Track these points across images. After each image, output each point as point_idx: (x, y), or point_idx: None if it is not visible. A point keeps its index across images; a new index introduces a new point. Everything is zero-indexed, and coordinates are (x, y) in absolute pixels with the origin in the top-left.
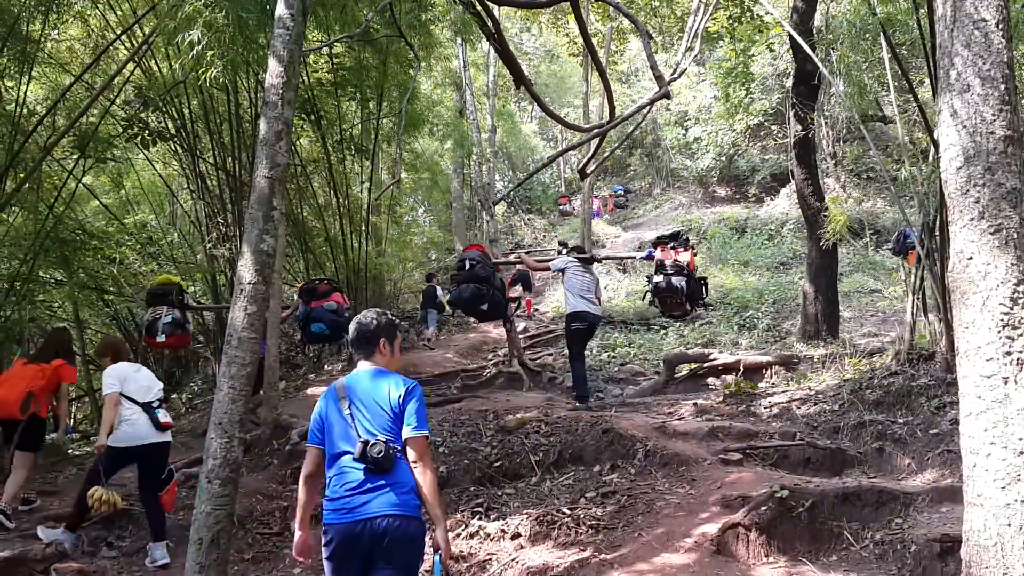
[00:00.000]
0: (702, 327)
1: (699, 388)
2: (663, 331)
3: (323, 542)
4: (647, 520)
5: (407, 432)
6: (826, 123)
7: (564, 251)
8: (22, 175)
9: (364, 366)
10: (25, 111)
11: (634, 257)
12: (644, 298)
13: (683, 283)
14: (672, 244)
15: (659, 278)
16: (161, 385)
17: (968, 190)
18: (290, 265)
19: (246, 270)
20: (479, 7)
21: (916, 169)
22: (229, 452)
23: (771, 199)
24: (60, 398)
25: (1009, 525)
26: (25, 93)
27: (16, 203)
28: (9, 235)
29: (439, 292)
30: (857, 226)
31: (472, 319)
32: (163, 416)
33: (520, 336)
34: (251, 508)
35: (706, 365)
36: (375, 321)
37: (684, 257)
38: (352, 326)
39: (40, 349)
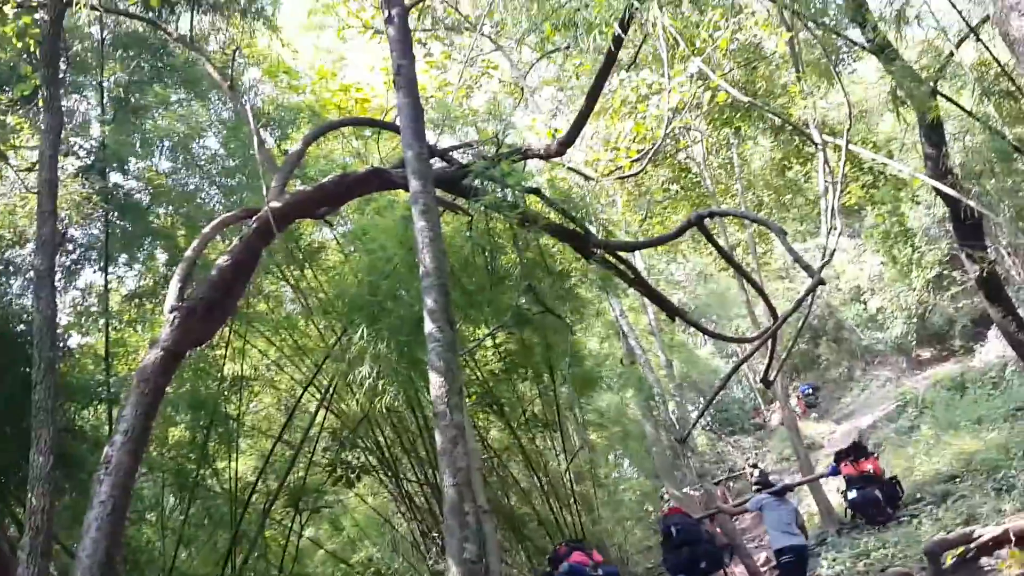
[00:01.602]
0: (956, 504)
1: (975, 572)
2: (914, 520)
3: None
4: None
5: None
6: (1008, 252)
7: (756, 475)
8: (247, 546)
9: None
10: (239, 484)
11: (824, 476)
12: (845, 514)
13: (877, 493)
14: (853, 457)
15: (853, 494)
16: None
17: None
18: (511, 559)
19: None
20: (613, 259)
21: None
22: None
23: (980, 346)
24: None
25: None
26: (236, 468)
27: (248, 573)
28: None
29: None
30: None
31: None
32: None
33: (763, 568)
34: None
35: (972, 545)
36: None
37: (869, 466)
38: None
39: None
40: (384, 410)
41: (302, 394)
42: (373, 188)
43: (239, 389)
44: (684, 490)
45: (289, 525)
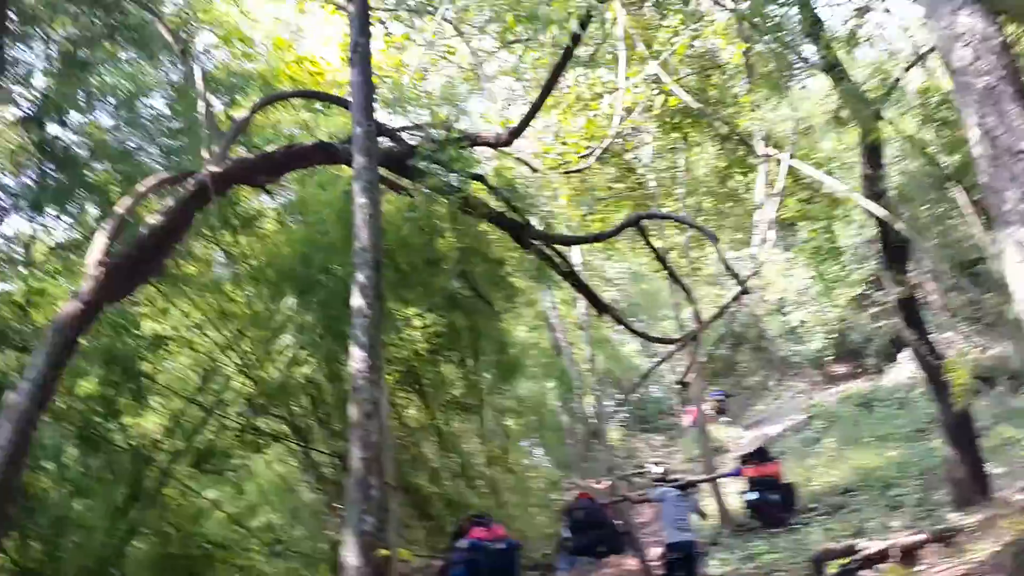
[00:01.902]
0: (848, 515)
1: None
2: (806, 528)
3: None
4: None
5: None
6: (930, 278)
7: (658, 472)
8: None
9: None
10: (145, 441)
11: (727, 476)
12: (744, 514)
13: (775, 497)
14: (757, 460)
15: (753, 495)
16: None
17: None
18: (409, 536)
19: (350, 554)
20: (547, 250)
21: None
22: None
23: (892, 366)
24: None
25: None
26: (143, 425)
27: (143, 529)
28: (137, 560)
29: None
30: (989, 375)
31: None
32: None
33: (653, 563)
34: None
35: (857, 557)
36: None
37: (771, 471)
38: None
39: None
40: (303, 380)
41: (221, 358)
42: (317, 161)
43: (156, 348)
44: (593, 482)
45: (191, 485)
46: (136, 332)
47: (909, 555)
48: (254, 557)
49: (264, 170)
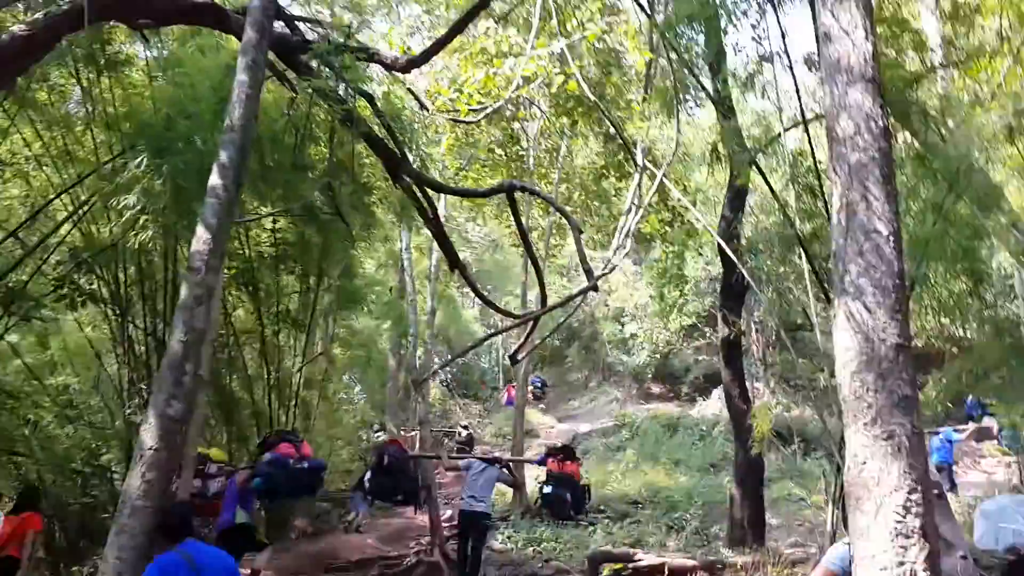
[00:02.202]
0: (631, 525)
1: None
2: (591, 527)
3: None
4: None
5: None
6: (756, 328)
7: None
8: None
9: None
10: None
11: (531, 462)
12: (536, 503)
13: (568, 495)
14: (561, 456)
15: (548, 488)
16: None
17: (861, 395)
18: (212, 437)
19: (148, 435)
20: (419, 193)
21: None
22: None
23: (703, 399)
24: (25, 544)
25: None
26: None
27: None
28: None
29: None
30: (786, 432)
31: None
32: None
33: (445, 524)
34: None
35: (631, 566)
36: None
37: (571, 470)
38: None
39: (15, 503)
40: (135, 247)
41: (54, 199)
42: (206, 22)
43: None
44: (403, 431)
45: None
46: None
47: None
48: (44, 415)
49: (147, 12)
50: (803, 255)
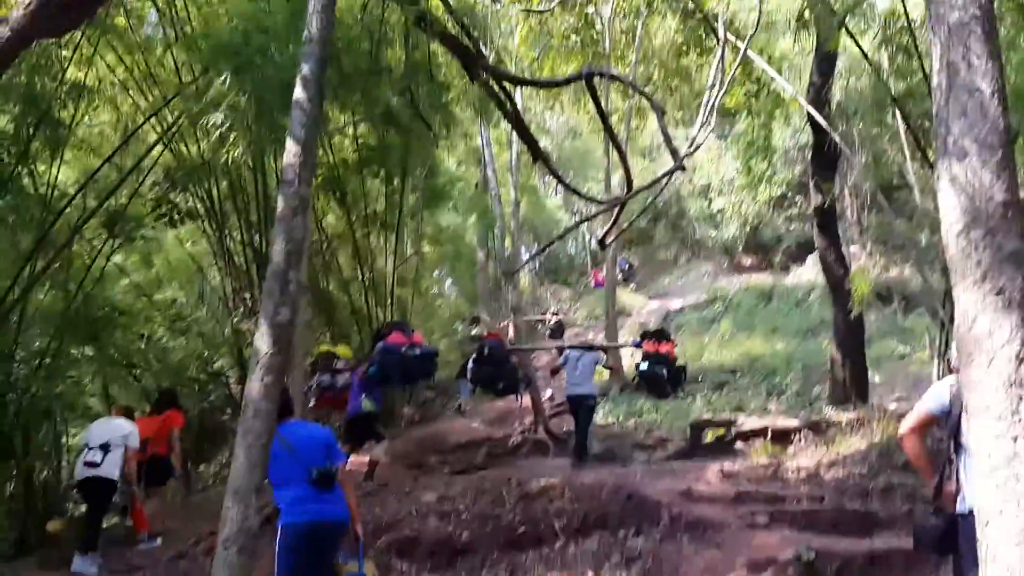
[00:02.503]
0: (730, 394)
1: (726, 453)
2: (690, 398)
3: None
4: None
5: None
6: (850, 192)
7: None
8: (51, 255)
9: None
10: (56, 193)
11: (627, 346)
12: (633, 380)
13: (664, 371)
14: (655, 339)
15: (644, 366)
16: (106, 435)
17: (969, 253)
18: (316, 339)
19: (262, 341)
20: (496, 88)
21: (937, 236)
22: (245, 520)
23: (798, 267)
24: (172, 440)
25: None
26: (56, 176)
27: (46, 282)
28: (39, 312)
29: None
30: (885, 292)
31: None
32: (89, 456)
33: (546, 403)
34: None
35: (733, 431)
36: None
37: (666, 350)
38: None
39: (154, 405)
40: (226, 163)
41: (143, 123)
42: None
43: (77, 97)
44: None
45: (99, 247)
46: (58, 77)
47: (782, 437)
48: (156, 329)
49: None
50: (898, 115)
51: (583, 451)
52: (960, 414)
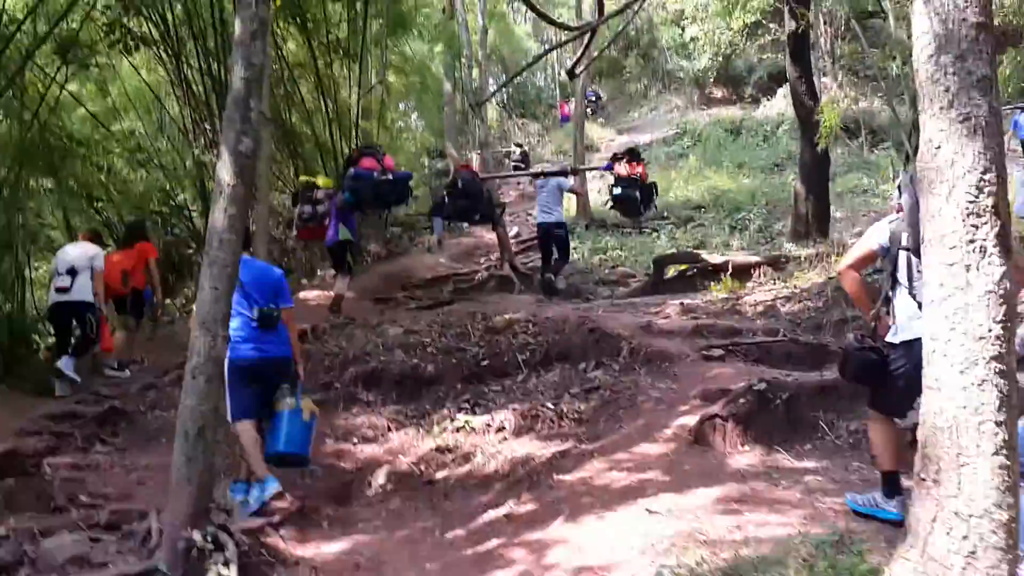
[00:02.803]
0: (694, 229)
1: (687, 289)
2: (655, 233)
3: None
4: (629, 414)
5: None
6: (824, 21)
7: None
8: (3, 82)
9: None
10: (5, 18)
11: (597, 169)
12: (605, 204)
13: (636, 193)
14: (627, 159)
15: (618, 189)
16: (72, 259)
17: (938, 78)
18: (279, 171)
19: (225, 172)
20: None
21: (909, 66)
22: (212, 349)
23: (768, 100)
24: (150, 271)
25: (964, 407)
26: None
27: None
28: None
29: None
30: (853, 126)
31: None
32: (58, 283)
33: (512, 240)
34: None
35: (696, 266)
36: None
37: (638, 171)
38: None
39: (123, 239)
40: None
41: None
42: None
43: None
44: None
45: (52, 75)
46: None
47: (743, 272)
48: (116, 161)
49: None
50: None
51: (551, 285)
52: (899, 252)
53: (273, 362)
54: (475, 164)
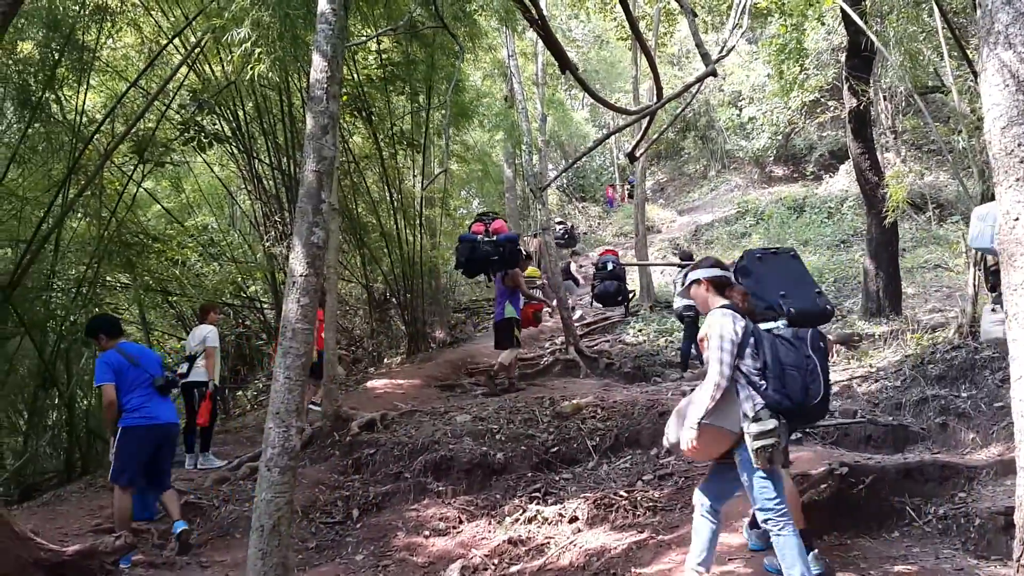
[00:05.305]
0: None
1: None
2: None
3: None
4: None
5: None
6: (884, 96)
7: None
8: (83, 182)
9: None
10: (84, 119)
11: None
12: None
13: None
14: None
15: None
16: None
17: (1013, 150)
18: (346, 260)
19: (297, 263)
20: None
21: (975, 139)
22: (287, 441)
23: (830, 177)
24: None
25: None
26: (83, 102)
27: (79, 209)
28: (74, 240)
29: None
30: (919, 200)
31: None
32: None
33: (576, 324)
34: (314, 498)
35: None
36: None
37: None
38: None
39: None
40: (251, 83)
41: (167, 44)
42: None
43: (100, 19)
44: (525, 237)
45: (129, 173)
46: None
47: None
48: (190, 255)
49: None
50: (936, 10)
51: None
52: None
53: (167, 427)
54: (539, 248)
